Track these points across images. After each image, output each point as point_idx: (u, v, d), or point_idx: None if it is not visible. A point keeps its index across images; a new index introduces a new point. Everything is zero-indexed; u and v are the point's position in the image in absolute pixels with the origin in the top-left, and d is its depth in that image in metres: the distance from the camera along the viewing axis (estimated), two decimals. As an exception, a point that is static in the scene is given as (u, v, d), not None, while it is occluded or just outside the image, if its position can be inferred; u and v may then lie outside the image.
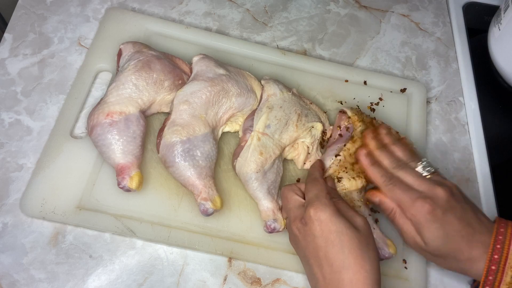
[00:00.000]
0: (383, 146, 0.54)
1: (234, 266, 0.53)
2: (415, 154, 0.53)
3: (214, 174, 0.54)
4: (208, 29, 0.68)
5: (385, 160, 0.52)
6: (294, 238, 0.48)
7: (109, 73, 0.60)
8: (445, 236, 0.46)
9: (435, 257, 0.48)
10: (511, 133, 0.73)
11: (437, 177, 0.50)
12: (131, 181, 0.50)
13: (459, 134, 0.68)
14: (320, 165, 0.55)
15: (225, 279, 0.52)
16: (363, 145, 0.54)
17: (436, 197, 0.47)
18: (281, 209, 0.53)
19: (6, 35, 0.61)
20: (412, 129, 0.65)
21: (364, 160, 0.53)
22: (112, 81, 0.55)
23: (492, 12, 0.74)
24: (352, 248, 0.43)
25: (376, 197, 0.51)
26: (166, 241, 0.52)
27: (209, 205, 0.51)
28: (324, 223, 0.45)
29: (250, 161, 0.53)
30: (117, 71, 0.56)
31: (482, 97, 0.71)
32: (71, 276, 0.50)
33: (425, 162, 0.51)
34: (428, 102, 0.69)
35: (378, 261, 0.44)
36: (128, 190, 0.51)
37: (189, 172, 0.51)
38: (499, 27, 0.69)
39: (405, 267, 0.55)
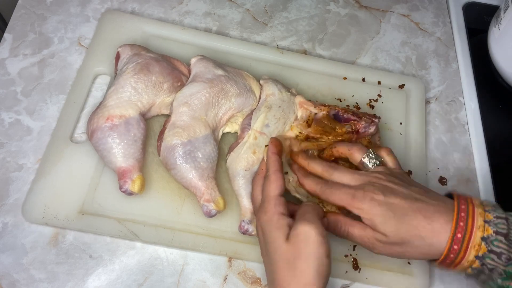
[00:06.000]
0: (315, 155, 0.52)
1: (234, 266, 0.53)
2: (360, 148, 0.50)
3: (215, 175, 0.54)
4: (208, 29, 0.68)
5: (318, 167, 0.50)
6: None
7: (107, 76, 0.60)
8: (397, 218, 0.43)
9: (402, 246, 0.44)
10: (511, 133, 0.73)
11: (381, 168, 0.48)
12: (133, 185, 0.50)
13: (459, 134, 0.68)
14: (275, 151, 0.50)
15: (225, 279, 0.52)
16: (294, 159, 0.52)
17: (373, 182, 0.45)
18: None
19: (6, 35, 0.61)
20: (411, 125, 0.65)
21: (298, 174, 0.50)
22: (110, 84, 0.54)
23: (492, 12, 0.74)
24: (277, 261, 0.42)
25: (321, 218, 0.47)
26: (170, 243, 0.52)
27: (212, 207, 0.51)
28: (263, 231, 0.45)
29: (242, 158, 0.53)
30: (116, 74, 0.56)
31: (482, 97, 0.71)
32: (71, 276, 0.50)
33: (370, 154, 0.49)
34: (428, 102, 0.69)
35: (311, 273, 0.40)
36: (131, 193, 0.51)
37: (191, 174, 0.51)
38: (499, 27, 0.69)
39: (408, 262, 0.55)
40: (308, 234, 0.42)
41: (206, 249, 0.52)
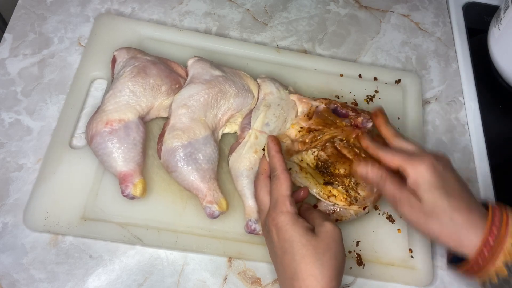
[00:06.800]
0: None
1: (234, 266, 0.53)
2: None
3: (217, 176, 0.54)
4: (208, 30, 0.68)
5: (385, 132, 0.52)
6: (266, 244, 0.49)
7: (104, 80, 0.60)
8: (444, 191, 0.44)
9: (428, 218, 0.45)
10: (511, 133, 0.73)
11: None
12: (135, 189, 0.50)
13: (459, 134, 0.68)
14: (278, 149, 0.50)
15: (225, 279, 0.52)
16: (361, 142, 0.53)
17: (435, 154, 0.48)
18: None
19: (6, 35, 0.61)
20: (408, 119, 0.65)
21: (366, 144, 0.52)
22: (108, 88, 0.54)
23: (492, 12, 0.74)
24: (304, 255, 0.42)
25: (363, 167, 0.49)
26: (173, 246, 0.52)
27: (215, 208, 0.51)
28: (280, 231, 0.45)
29: (244, 158, 0.53)
30: (113, 78, 0.56)
31: (482, 97, 0.71)
32: (71, 276, 0.50)
33: None
34: (428, 102, 0.69)
35: (336, 268, 0.43)
36: (132, 197, 0.51)
37: (192, 176, 0.51)
38: (499, 27, 0.69)
39: (411, 256, 0.56)
40: (336, 232, 0.45)
41: (210, 250, 0.52)
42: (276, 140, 0.51)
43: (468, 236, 0.43)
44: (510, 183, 0.66)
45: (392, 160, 0.48)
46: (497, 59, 0.71)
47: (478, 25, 0.78)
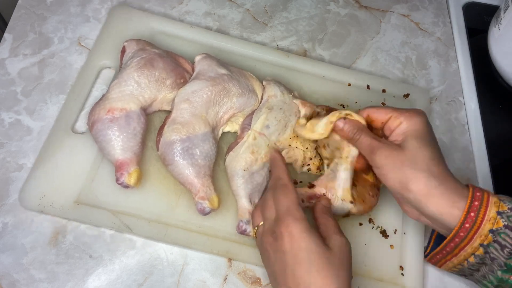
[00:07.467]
0: None
1: (234, 266, 0.53)
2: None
3: (213, 174, 0.54)
4: (208, 29, 0.68)
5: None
6: (264, 252, 0.46)
7: (112, 70, 0.60)
8: (429, 144, 0.45)
9: (405, 163, 0.44)
10: (511, 133, 0.73)
11: None
12: (130, 178, 0.50)
13: (459, 134, 0.68)
14: (282, 161, 0.51)
15: (225, 279, 0.52)
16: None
17: (423, 114, 0.48)
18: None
19: (6, 35, 0.62)
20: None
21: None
22: (114, 77, 0.55)
23: (492, 12, 0.75)
24: (321, 268, 0.41)
25: (339, 121, 0.50)
26: (162, 239, 0.52)
27: (206, 204, 0.51)
28: (294, 239, 0.43)
29: (241, 158, 0.53)
30: (120, 68, 0.56)
31: (482, 97, 0.71)
32: (71, 276, 0.50)
33: None
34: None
35: (349, 283, 0.42)
36: (126, 186, 0.51)
37: (187, 171, 0.51)
38: (499, 27, 0.69)
39: (402, 274, 0.55)
40: (348, 248, 0.45)
41: (199, 246, 0.52)
42: (279, 154, 0.54)
43: (446, 214, 0.44)
44: (510, 183, 0.66)
45: (385, 112, 0.48)
46: (497, 59, 0.71)
47: (478, 25, 0.78)
